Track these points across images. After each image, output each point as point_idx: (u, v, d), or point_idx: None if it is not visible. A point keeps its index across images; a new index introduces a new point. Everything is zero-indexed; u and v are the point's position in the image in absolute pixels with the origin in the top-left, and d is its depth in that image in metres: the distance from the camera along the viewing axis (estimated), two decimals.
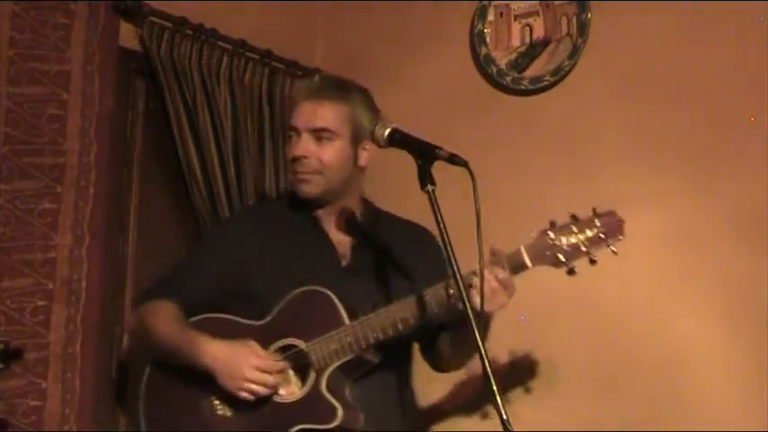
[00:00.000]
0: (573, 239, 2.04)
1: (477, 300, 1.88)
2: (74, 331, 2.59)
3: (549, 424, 2.68)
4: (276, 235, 2.27)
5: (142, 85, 2.95)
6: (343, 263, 2.24)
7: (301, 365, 2.12)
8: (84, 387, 2.58)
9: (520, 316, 2.77)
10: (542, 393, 2.74)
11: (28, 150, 2.57)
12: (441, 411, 2.96)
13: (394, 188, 2.97)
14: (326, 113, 2.21)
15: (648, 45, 2.78)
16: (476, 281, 1.91)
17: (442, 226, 1.80)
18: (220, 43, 3.05)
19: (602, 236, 2.04)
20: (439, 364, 2.35)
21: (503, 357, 2.73)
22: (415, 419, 2.35)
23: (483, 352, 1.67)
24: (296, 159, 2.20)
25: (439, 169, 1.84)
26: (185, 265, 2.34)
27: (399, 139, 1.94)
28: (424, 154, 1.86)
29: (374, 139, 1.99)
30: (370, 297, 2.15)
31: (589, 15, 2.86)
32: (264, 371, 2.06)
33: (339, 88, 2.25)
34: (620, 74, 2.82)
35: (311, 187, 2.22)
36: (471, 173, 1.78)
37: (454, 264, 1.77)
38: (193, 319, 2.22)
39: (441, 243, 1.81)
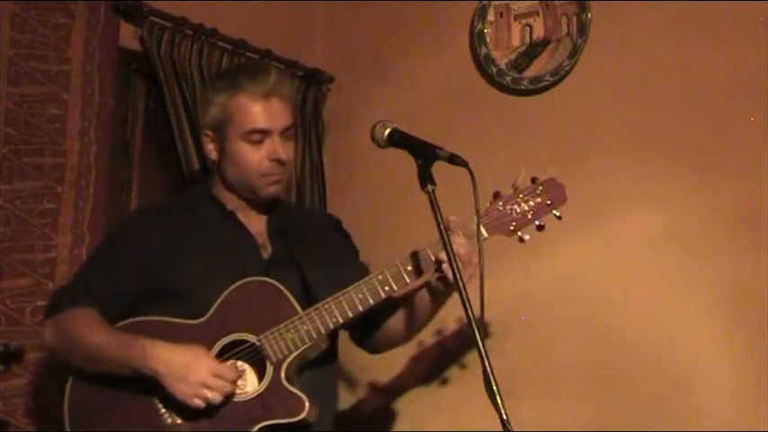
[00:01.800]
0: (519, 208, 2.09)
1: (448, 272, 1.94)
2: None
3: (549, 424, 2.67)
4: (191, 231, 2.18)
5: (142, 85, 2.95)
6: (265, 254, 2.19)
7: (256, 360, 2.04)
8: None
9: (520, 315, 2.78)
10: (542, 393, 2.74)
11: (28, 150, 2.57)
12: (398, 387, 2.98)
13: (394, 188, 2.99)
14: (289, 110, 2.17)
15: (648, 45, 2.78)
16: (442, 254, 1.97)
17: (442, 226, 1.79)
18: (220, 43, 3.05)
19: (548, 203, 2.11)
20: (377, 347, 2.35)
21: (503, 357, 2.73)
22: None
23: (483, 352, 1.67)
24: (277, 162, 2.14)
25: (439, 169, 1.84)
26: (94, 269, 2.18)
27: (399, 139, 1.94)
28: (424, 154, 1.86)
29: (374, 139, 1.98)
30: (294, 286, 2.10)
31: (589, 15, 2.86)
32: (222, 377, 1.96)
33: (287, 80, 2.21)
34: (620, 74, 2.82)
35: (281, 188, 2.21)
36: (471, 173, 1.78)
37: (454, 264, 1.77)
38: (120, 324, 2.08)
39: (441, 243, 1.80)
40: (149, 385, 2.00)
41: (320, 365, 2.14)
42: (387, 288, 2.06)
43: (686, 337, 2.62)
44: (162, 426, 2.01)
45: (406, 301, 2.22)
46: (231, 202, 2.22)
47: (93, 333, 2.03)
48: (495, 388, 1.63)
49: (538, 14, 3.01)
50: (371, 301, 2.05)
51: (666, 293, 2.67)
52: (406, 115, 2.63)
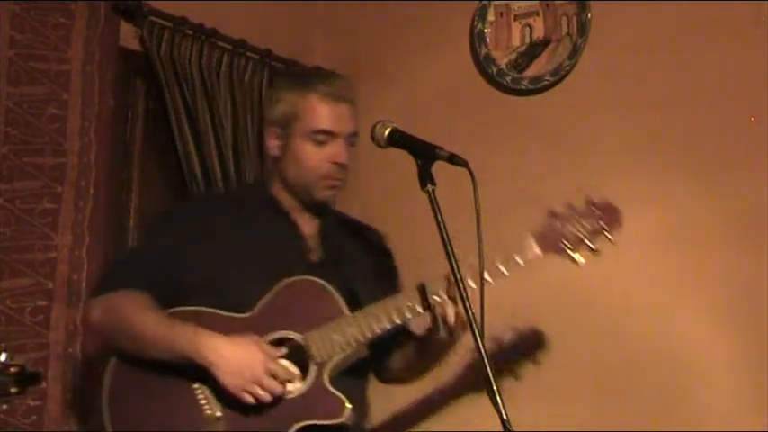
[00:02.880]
0: (574, 229, 2.06)
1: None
2: (74, 331, 2.59)
3: (550, 424, 2.67)
4: (244, 225, 2.17)
5: (142, 85, 2.96)
6: (312, 258, 2.19)
7: (299, 358, 2.02)
8: (85, 387, 2.58)
9: (520, 316, 2.78)
10: (543, 393, 2.74)
11: (28, 150, 2.57)
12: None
13: (394, 188, 2.99)
14: (354, 117, 2.17)
15: (648, 45, 2.78)
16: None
17: (442, 226, 1.79)
18: (220, 43, 3.05)
19: (602, 226, 2.07)
20: (386, 377, 2.33)
21: (503, 357, 2.73)
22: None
23: (483, 351, 1.67)
24: (338, 166, 2.13)
25: (439, 169, 1.84)
26: (146, 251, 2.18)
27: (399, 139, 1.94)
28: (424, 154, 1.86)
29: (374, 139, 1.98)
30: (338, 292, 2.09)
31: (589, 15, 2.86)
32: (276, 376, 1.95)
33: (352, 88, 2.21)
34: (620, 74, 2.82)
35: (336, 193, 2.21)
36: (471, 173, 1.78)
37: (454, 264, 1.77)
38: (171, 310, 2.06)
39: (441, 243, 1.80)
40: (191, 374, 1.98)
41: (356, 372, 2.13)
42: (435, 297, 2.03)
43: (686, 337, 2.62)
44: (201, 416, 1.99)
45: (417, 338, 2.20)
46: (286, 201, 2.22)
47: (145, 316, 2.02)
48: (495, 388, 1.63)
49: (538, 14, 3.01)
50: (420, 310, 2.03)
51: (666, 293, 2.67)
52: (406, 115, 2.63)
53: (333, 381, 2.02)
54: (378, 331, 2.03)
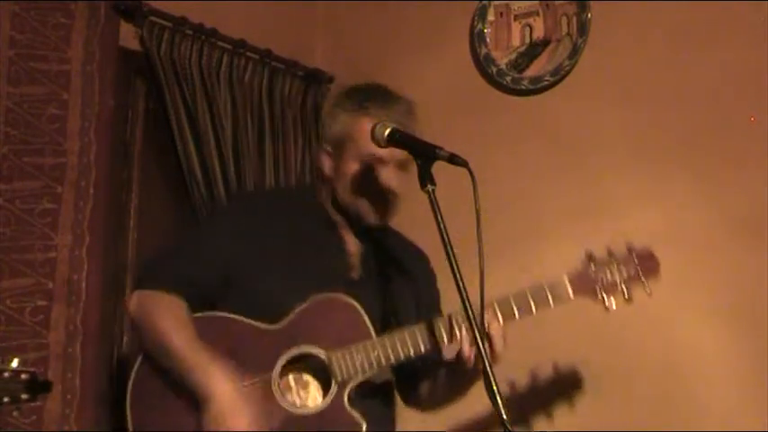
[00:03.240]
0: (611, 275, 2.08)
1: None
2: (74, 331, 2.59)
3: (550, 424, 2.67)
4: (290, 233, 2.15)
5: (142, 85, 2.95)
6: (354, 275, 2.18)
7: (322, 375, 2.03)
8: (84, 387, 2.58)
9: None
10: (543, 393, 2.74)
11: (28, 150, 2.57)
12: None
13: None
14: None
15: (648, 45, 2.78)
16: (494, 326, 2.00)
17: (442, 226, 1.79)
18: (220, 43, 3.05)
19: (639, 273, 2.09)
20: (417, 403, 2.33)
21: (502, 356, 2.73)
22: None
23: (483, 351, 1.67)
24: (390, 192, 2.11)
25: (439, 169, 1.84)
26: (188, 249, 2.17)
27: (399, 139, 1.93)
28: (424, 154, 1.86)
29: (374, 139, 1.98)
30: (374, 312, 2.09)
31: (589, 15, 2.86)
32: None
33: (414, 113, 2.16)
34: (620, 74, 2.82)
35: (386, 219, 2.18)
36: (471, 173, 1.78)
37: (454, 264, 1.77)
38: (200, 315, 2.08)
39: (441, 243, 1.80)
40: None
41: (381, 396, 2.14)
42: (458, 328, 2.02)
43: (686, 337, 2.62)
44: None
45: (440, 367, 2.19)
46: (335, 215, 2.21)
47: (174, 333, 2.02)
48: (495, 388, 1.63)
49: (538, 14, 3.01)
50: (446, 340, 2.02)
51: (666, 293, 2.65)
52: None
53: (356, 402, 2.02)
54: (402, 357, 2.02)
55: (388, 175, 2.11)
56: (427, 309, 2.20)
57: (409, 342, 2.02)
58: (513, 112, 3.00)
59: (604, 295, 2.08)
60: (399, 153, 2.06)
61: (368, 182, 2.11)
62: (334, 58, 3.39)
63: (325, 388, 2.03)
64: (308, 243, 2.16)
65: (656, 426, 2.58)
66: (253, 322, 2.06)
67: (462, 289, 1.74)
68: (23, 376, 1.80)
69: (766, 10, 2.60)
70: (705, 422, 2.51)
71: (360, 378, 2.01)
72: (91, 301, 2.61)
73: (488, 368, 1.65)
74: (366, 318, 2.05)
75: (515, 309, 2.05)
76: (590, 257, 2.08)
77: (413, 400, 2.32)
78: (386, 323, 2.10)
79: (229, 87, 3.04)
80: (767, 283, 2.51)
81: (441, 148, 1.86)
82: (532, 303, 2.06)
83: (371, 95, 2.15)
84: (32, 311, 2.53)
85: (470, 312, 1.73)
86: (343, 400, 2.00)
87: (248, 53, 3.13)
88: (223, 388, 1.95)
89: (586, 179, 2.81)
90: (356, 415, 1.99)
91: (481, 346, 1.68)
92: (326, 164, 2.19)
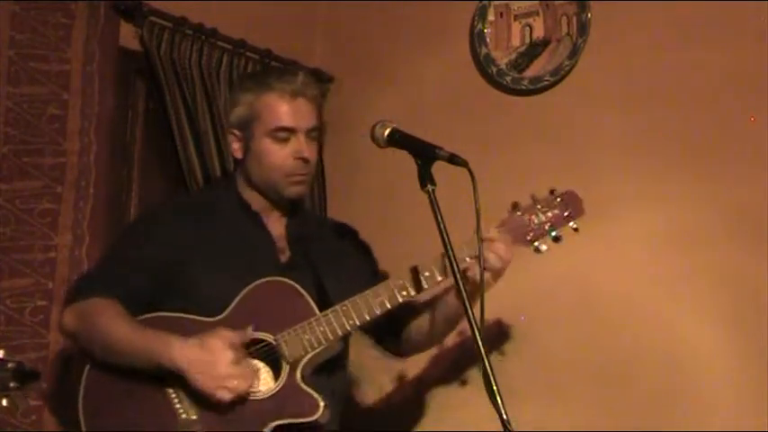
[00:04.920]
0: (537, 219, 2.11)
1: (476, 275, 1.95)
2: None
3: (550, 424, 2.67)
4: (215, 228, 2.19)
5: (142, 85, 2.96)
6: (282, 258, 2.21)
7: (272, 359, 2.05)
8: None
9: (520, 316, 2.78)
10: (543, 393, 2.74)
11: (28, 150, 2.58)
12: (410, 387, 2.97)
13: (394, 188, 2.99)
14: (315, 111, 2.20)
15: (648, 45, 2.78)
16: (491, 255, 2.03)
17: (442, 226, 1.79)
18: (220, 43, 3.05)
19: (565, 214, 2.12)
20: (405, 351, 2.37)
21: (503, 357, 2.73)
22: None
23: (483, 352, 1.67)
24: (302, 161, 2.16)
25: (439, 169, 1.84)
26: (116, 259, 2.18)
27: (399, 139, 1.94)
28: (424, 154, 1.86)
29: (374, 139, 1.99)
30: (310, 292, 2.11)
31: (589, 15, 2.86)
32: (242, 374, 1.96)
33: (314, 82, 2.23)
34: (620, 74, 2.82)
35: (305, 189, 2.23)
36: (471, 173, 1.78)
37: (455, 264, 1.77)
38: (141, 317, 2.07)
39: (441, 243, 1.80)
40: (165, 378, 2.00)
41: (331, 367, 2.15)
42: (404, 293, 2.07)
43: (686, 337, 2.62)
44: (175, 420, 2.01)
45: (430, 305, 2.23)
46: (255, 202, 2.23)
47: (116, 325, 2.03)
48: (495, 388, 1.63)
49: (538, 14, 3.01)
50: (388, 306, 2.07)
51: (667, 293, 2.67)
52: (406, 115, 2.63)
53: (307, 379, 2.04)
54: (348, 329, 2.07)
55: (299, 146, 2.15)
56: (368, 278, 2.21)
57: (353, 313, 2.05)
58: (513, 112, 3.00)
59: (533, 240, 2.11)
60: (309, 121, 2.16)
61: (280, 155, 2.15)
62: (334, 58, 3.38)
63: (277, 371, 2.04)
64: (231, 235, 2.19)
65: (656, 426, 2.58)
66: (194, 317, 2.07)
67: (462, 289, 1.74)
68: (10, 365, 1.82)
69: (766, 10, 2.60)
70: (706, 422, 2.51)
71: (310, 356, 2.04)
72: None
73: (488, 368, 1.65)
74: (306, 295, 2.08)
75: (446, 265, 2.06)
76: (515, 206, 2.12)
77: (406, 348, 2.35)
78: (323, 302, 2.11)
79: (229, 87, 3.04)
80: (767, 282, 2.51)
81: (441, 148, 1.86)
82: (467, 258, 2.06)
83: (269, 73, 2.28)
84: (32, 311, 2.53)
85: (470, 313, 1.72)
86: (296, 380, 2.03)
87: (248, 53, 3.13)
88: (187, 346, 1.95)
89: (586, 179, 2.80)
90: (312, 392, 2.02)
91: (481, 346, 1.68)
92: (235, 146, 2.22)
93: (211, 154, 2.95)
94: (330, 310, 2.06)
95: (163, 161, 2.98)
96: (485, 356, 1.66)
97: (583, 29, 2.87)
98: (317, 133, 2.21)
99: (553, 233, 2.11)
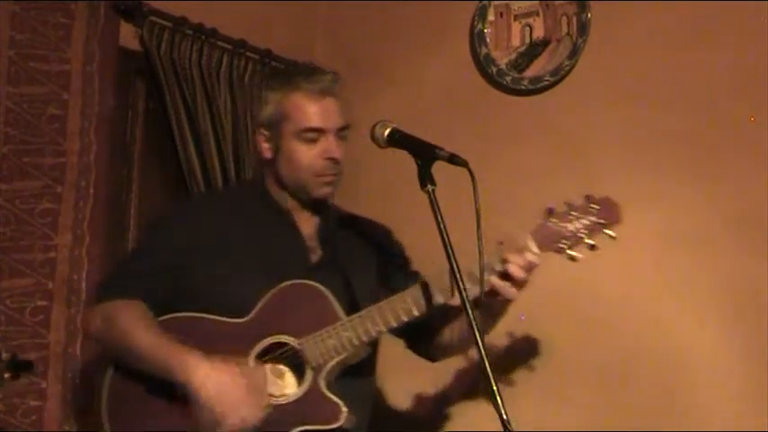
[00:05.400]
0: (572, 226, 2.05)
1: (510, 288, 1.96)
2: (74, 331, 2.59)
3: (551, 424, 2.67)
4: (241, 227, 2.17)
5: (142, 85, 2.96)
6: (313, 258, 2.18)
7: (296, 363, 2.02)
8: (84, 387, 2.58)
9: (520, 315, 2.77)
10: (544, 393, 2.74)
11: (28, 150, 2.58)
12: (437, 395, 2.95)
13: (394, 188, 2.98)
14: (343, 111, 2.17)
15: (648, 45, 2.78)
16: (511, 266, 1.98)
17: (442, 226, 1.79)
18: (220, 43, 3.05)
19: (601, 222, 2.06)
20: (437, 355, 2.33)
21: (503, 357, 2.73)
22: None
23: (483, 352, 1.67)
24: (331, 161, 2.13)
25: (439, 169, 1.84)
26: (140, 258, 2.18)
27: (399, 139, 1.94)
28: (424, 154, 1.86)
29: (374, 139, 1.98)
30: (339, 293, 2.09)
31: (589, 15, 2.86)
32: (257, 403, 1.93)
33: (339, 82, 2.21)
34: (620, 74, 2.82)
35: (332, 189, 2.20)
36: (471, 173, 1.78)
37: (454, 264, 1.77)
38: (165, 317, 2.06)
39: (441, 243, 1.80)
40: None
41: (359, 372, 2.12)
42: (432, 300, 2.02)
43: (687, 337, 2.62)
44: (195, 424, 1.97)
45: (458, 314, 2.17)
46: (285, 201, 2.21)
47: (137, 330, 2.01)
48: (494, 388, 1.63)
49: (538, 14, 3.01)
50: (415, 312, 2.03)
51: (667, 294, 2.67)
52: (406, 115, 2.63)
53: (333, 384, 2.02)
54: (373, 335, 2.03)
55: (328, 146, 2.14)
56: (398, 280, 2.18)
57: (379, 319, 2.02)
58: (513, 112, 3.00)
59: (567, 248, 2.05)
60: (337, 121, 2.14)
61: (309, 155, 2.13)
62: (334, 58, 3.38)
63: (300, 375, 2.02)
64: (261, 235, 2.16)
65: (656, 426, 2.58)
66: (218, 318, 2.05)
67: (462, 289, 1.74)
68: (4, 356, 1.82)
69: (766, 10, 2.60)
70: (706, 422, 2.51)
71: (334, 361, 2.01)
72: (91, 301, 2.61)
73: (488, 368, 1.65)
74: (332, 299, 2.05)
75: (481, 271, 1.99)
76: (549, 212, 2.07)
77: (438, 353, 2.32)
78: (353, 302, 2.09)
79: (229, 87, 3.05)
80: (767, 283, 2.51)
81: (441, 148, 1.86)
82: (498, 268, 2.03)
83: (297, 71, 2.22)
84: (32, 311, 2.53)
85: (470, 312, 1.72)
86: (319, 386, 2.00)
87: (248, 53, 3.14)
88: (206, 371, 1.93)
89: (586, 179, 2.80)
90: (335, 398, 1.99)
91: (481, 346, 1.68)
92: (264, 147, 2.20)
93: (211, 154, 2.95)
94: (356, 315, 2.03)
95: (163, 161, 2.98)
96: (485, 357, 1.66)
97: (583, 29, 2.87)
98: (347, 132, 2.18)
99: (589, 241, 2.05)
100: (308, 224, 2.22)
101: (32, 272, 2.55)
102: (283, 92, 2.16)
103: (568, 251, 2.05)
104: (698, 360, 2.60)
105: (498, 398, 1.62)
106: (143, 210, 2.93)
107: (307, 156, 2.14)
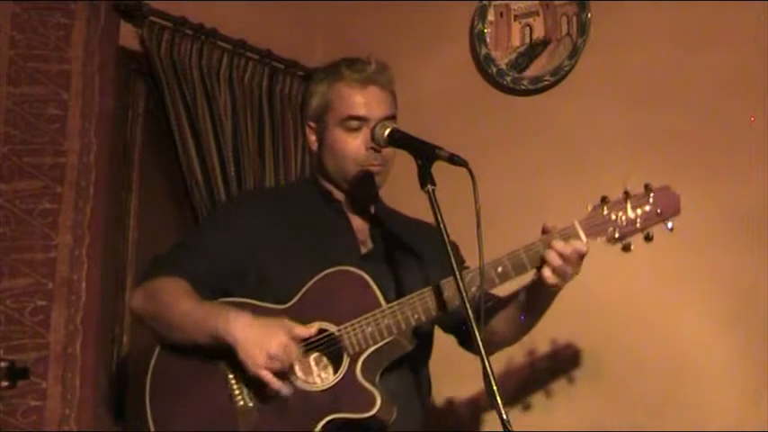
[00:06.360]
0: (627, 215, 1.96)
1: (548, 273, 1.92)
2: (74, 331, 2.59)
3: (550, 424, 2.68)
4: (294, 218, 2.15)
5: (142, 85, 2.96)
6: (363, 249, 2.16)
7: (334, 351, 1.97)
8: (84, 387, 2.58)
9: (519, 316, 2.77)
10: (543, 393, 2.74)
11: (28, 150, 2.57)
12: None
13: (394, 188, 2.98)
14: (389, 100, 2.15)
15: (648, 45, 2.78)
16: (549, 253, 1.92)
17: (442, 226, 1.79)
18: (220, 43, 3.05)
19: (658, 212, 1.97)
20: (492, 347, 2.13)
21: (503, 357, 2.73)
22: (428, 409, 2.24)
23: (483, 352, 1.67)
24: (374, 151, 2.08)
25: (439, 169, 1.84)
26: (192, 243, 2.15)
27: (399, 139, 1.94)
28: (424, 154, 1.85)
29: (374, 139, 1.98)
30: (387, 286, 2.06)
31: (589, 15, 2.87)
32: (287, 355, 1.90)
33: (387, 70, 2.19)
34: (620, 74, 2.82)
35: (383, 179, 2.16)
36: (471, 173, 1.78)
37: (454, 264, 1.76)
38: (208, 302, 2.03)
39: (441, 243, 1.79)
40: (227, 363, 1.97)
41: (407, 367, 2.08)
42: (475, 288, 1.94)
43: (686, 336, 2.62)
44: (232, 406, 1.97)
45: (510, 299, 2.14)
46: (336, 193, 2.19)
47: (180, 301, 2.00)
48: (495, 388, 1.63)
49: (538, 14, 3.01)
50: (457, 301, 1.92)
51: (667, 293, 2.67)
52: (406, 115, 2.62)
53: (371, 375, 1.97)
54: (413, 323, 1.98)
55: (368, 135, 2.09)
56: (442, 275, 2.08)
57: (419, 306, 1.97)
58: (513, 112, 3.00)
59: (621, 238, 1.96)
60: (382, 110, 2.10)
61: (353, 144, 2.11)
62: (334, 58, 3.38)
63: (337, 363, 1.97)
64: (311, 226, 2.15)
65: (655, 425, 2.58)
66: (260, 303, 2.02)
67: (463, 290, 1.74)
68: (2, 364, 1.82)
69: (766, 10, 2.60)
70: (706, 422, 2.51)
71: (371, 349, 1.96)
72: (91, 301, 2.62)
73: (488, 368, 1.65)
74: (375, 287, 2.01)
75: (527, 260, 1.97)
76: (604, 200, 1.97)
77: (491, 342, 2.16)
78: (401, 295, 2.04)
79: (229, 87, 3.04)
80: (767, 283, 2.51)
81: (441, 148, 1.85)
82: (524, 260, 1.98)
83: (343, 63, 2.21)
84: (32, 311, 2.53)
85: (470, 313, 1.72)
86: (355, 374, 1.95)
87: (248, 53, 3.13)
88: (247, 320, 1.92)
89: (586, 179, 2.81)
90: (370, 387, 1.94)
91: (481, 347, 1.68)
92: (311, 139, 2.20)
93: (211, 154, 2.95)
94: (396, 302, 1.98)
95: (163, 161, 2.98)
96: (485, 357, 1.66)
97: (583, 29, 2.88)
98: (394, 122, 2.11)
99: (646, 232, 1.96)
100: (359, 217, 2.20)
101: (32, 272, 2.55)
102: (328, 82, 2.16)
103: (623, 241, 1.95)
104: (698, 360, 2.60)
105: (498, 398, 1.62)
106: (143, 210, 2.93)
107: (350, 145, 2.10)
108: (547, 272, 1.93)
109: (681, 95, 2.71)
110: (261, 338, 1.90)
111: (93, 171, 2.68)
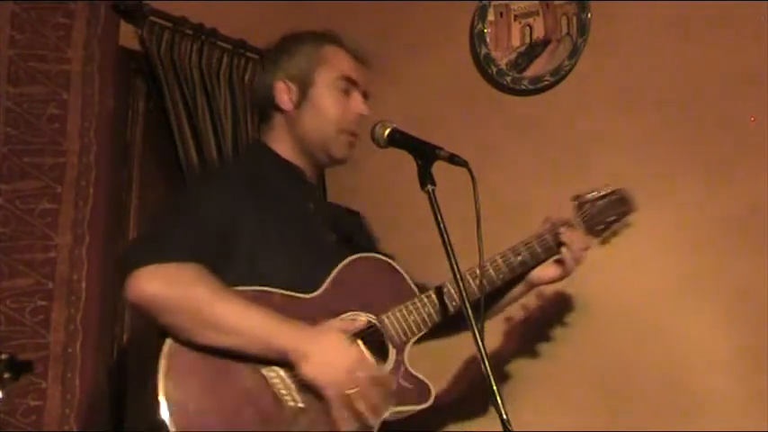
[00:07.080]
0: (603, 213, 2.13)
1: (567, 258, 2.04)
2: (74, 331, 2.59)
3: (550, 424, 2.67)
4: (266, 193, 2.01)
5: (142, 85, 2.96)
6: (331, 236, 2.11)
7: (375, 341, 1.89)
8: (84, 387, 2.58)
9: (519, 315, 2.78)
10: (543, 393, 2.74)
11: (28, 150, 2.58)
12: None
13: (394, 188, 2.99)
14: (368, 83, 2.18)
15: (648, 45, 2.78)
16: (566, 234, 2.05)
17: (442, 226, 1.79)
18: (220, 43, 3.05)
19: (623, 209, 2.15)
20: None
21: (503, 357, 2.73)
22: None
23: (482, 352, 1.67)
24: (357, 119, 2.09)
25: (439, 169, 1.84)
26: (177, 223, 1.89)
27: (399, 139, 1.94)
28: (424, 154, 1.85)
29: (374, 139, 1.98)
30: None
31: (589, 15, 2.86)
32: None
33: (369, 62, 2.21)
34: (620, 74, 2.82)
35: (350, 153, 2.14)
36: (471, 173, 1.78)
37: (454, 263, 1.77)
38: (236, 290, 1.82)
39: (441, 243, 1.79)
40: (258, 362, 1.80)
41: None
42: (501, 276, 2.05)
43: (686, 337, 2.62)
44: (279, 406, 1.79)
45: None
46: (296, 162, 2.11)
47: (216, 298, 1.78)
48: (494, 388, 1.63)
49: (538, 14, 3.01)
50: (485, 291, 1.95)
51: (668, 294, 2.67)
52: (406, 115, 2.63)
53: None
54: (452, 311, 1.98)
55: (360, 101, 2.11)
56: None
57: (456, 295, 1.97)
58: (514, 112, 3.00)
59: (603, 231, 2.13)
60: (366, 85, 2.13)
61: (342, 105, 2.09)
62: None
63: (379, 354, 1.90)
64: (288, 202, 2.05)
65: (656, 426, 2.58)
66: (290, 293, 1.87)
67: (463, 289, 1.74)
68: (3, 357, 1.82)
69: (766, 10, 2.60)
70: (706, 422, 2.51)
71: (416, 338, 1.93)
72: (91, 301, 2.62)
73: (488, 368, 1.65)
74: (405, 274, 1.99)
75: (517, 258, 2.07)
76: (578, 197, 2.13)
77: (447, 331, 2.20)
78: None
79: (229, 87, 3.05)
80: (767, 283, 2.51)
81: (441, 148, 1.85)
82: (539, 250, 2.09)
83: (326, 30, 2.21)
84: (32, 311, 2.53)
85: (469, 313, 1.72)
86: (405, 364, 1.91)
87: (248, 53, 3.14)
88: (323, 348, 1.79)
89: (586, 179, 2.80)
90: (422, 377, 1.91)
91: (481, 346, 1.68)
92: (284, 98, 2.09)
93: (211, 154, 2.95)
94: (434, 289, 1.98)
95: (163, 161, 2.99)
96: (485, 357, 1.66)
97: (583, 29, 2.87)
98: (367, 100, 2.14)
99: (615, 227, 2.14)
100: (314, 195, 2.16)
101: (32, 272, 2.55)
102: (320, 42, 2.14)
103: (603, 235, 2.13)
104: (698, 361, 2.60)
105: (498, 398, 1.62)
106: (143, 210, 2.93)
107: (339, 105, 2.09)
108: (567, 256, 2.06)
109: (681, 95, 2.71)
110: (343, 375, 1.78)
111: (93, 171, 2.68)
